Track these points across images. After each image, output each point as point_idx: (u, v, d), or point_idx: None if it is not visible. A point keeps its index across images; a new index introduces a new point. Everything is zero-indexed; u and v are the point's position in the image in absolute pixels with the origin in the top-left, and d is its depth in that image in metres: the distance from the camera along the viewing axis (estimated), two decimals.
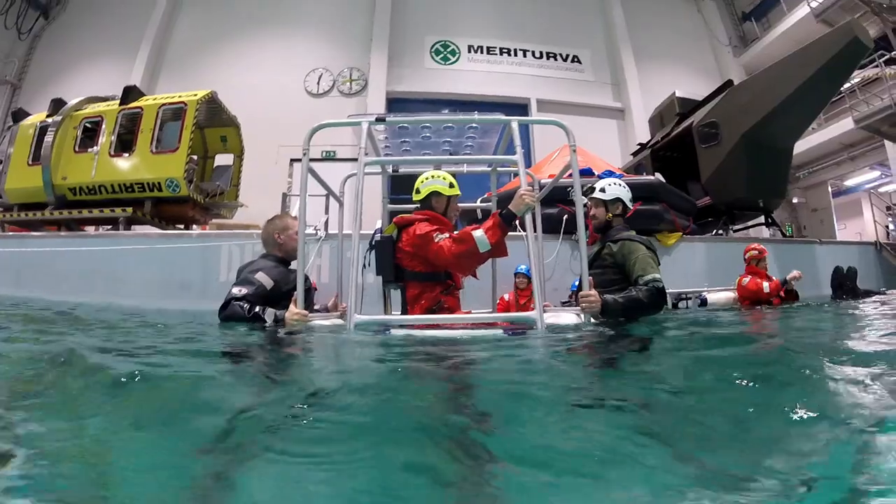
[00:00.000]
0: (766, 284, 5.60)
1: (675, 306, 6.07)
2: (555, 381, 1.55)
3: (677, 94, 10.21)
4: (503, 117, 3.02)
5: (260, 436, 1.02)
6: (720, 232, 8.32)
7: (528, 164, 10.99)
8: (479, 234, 2.62)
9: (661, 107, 10.91)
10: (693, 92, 10.49)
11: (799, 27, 14.32)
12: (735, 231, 9.29)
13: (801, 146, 12.58)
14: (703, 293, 6.03)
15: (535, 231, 2.66)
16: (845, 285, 6.48)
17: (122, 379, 1.31)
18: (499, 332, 2.45)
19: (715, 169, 8.02)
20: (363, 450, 0.93)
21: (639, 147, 11.35)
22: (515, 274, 6.18)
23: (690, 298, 6.11)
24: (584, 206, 3.09)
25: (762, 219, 8.88)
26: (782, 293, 5.70)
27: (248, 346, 2.24)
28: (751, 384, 1.30)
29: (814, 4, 13.80)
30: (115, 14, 15.75)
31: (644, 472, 0.89)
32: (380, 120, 2.96)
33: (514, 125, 2.84)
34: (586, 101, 15.13)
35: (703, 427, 1.12)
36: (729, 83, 8.94)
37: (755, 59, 15.50)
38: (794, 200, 15.79)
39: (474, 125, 3.27)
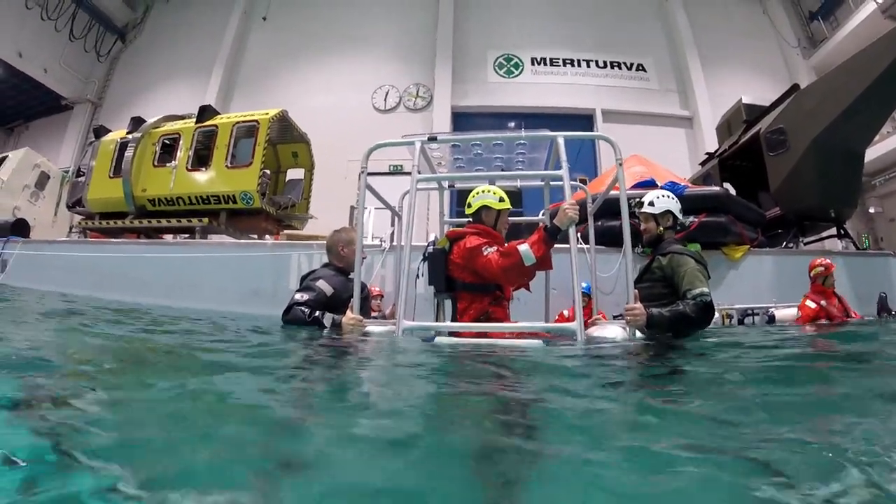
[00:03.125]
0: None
1: (741, 322, 5.87)
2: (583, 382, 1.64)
3: (744, 101, 9.83)
4: (549, 133, 3.11)
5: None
6: (790, 245, 7.93)
7: (593, 175, 10.87)
8: (524, 248, 2.72)
9: (727, 114, 10.55)
10: (763, 97, 10.04)
11: (867, 25, 13.41)
12: (806, 244, 8.82)
13: (875, 152, 11.79)
14: (771, 309, 5.79)
15: (578, 243, 2.72)
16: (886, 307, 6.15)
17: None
18: (539, 342, 2.53)
19: (784, 178, 7.67)
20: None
21: (706, 157, 11.00)
22: None
23: (758, 315, 5.89)
24: (637, 220, 3.13)
25: (834, 230, 8.40)
26: (854, 314, 5.42)
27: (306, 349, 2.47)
28: None
29: (880, 0, 12.92)
30: (189, 37, 16.76)
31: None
32: (431, 139, 3.13)
33: (560, 140, 2.92)
34: (652, 110, 14.72)
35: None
36: (795, 87, 8.55)
37: (825, 60, 14.54)
38: (871, 210, 14.66)
39: (523, 141, 3.37)
